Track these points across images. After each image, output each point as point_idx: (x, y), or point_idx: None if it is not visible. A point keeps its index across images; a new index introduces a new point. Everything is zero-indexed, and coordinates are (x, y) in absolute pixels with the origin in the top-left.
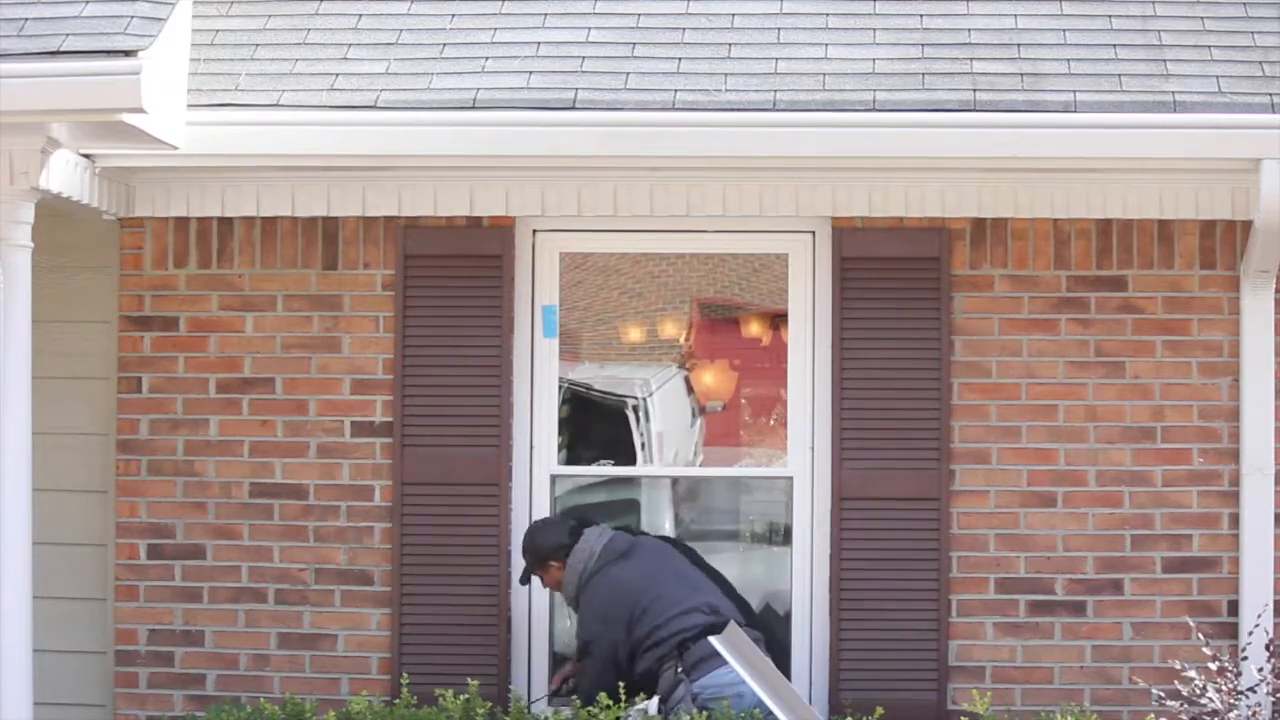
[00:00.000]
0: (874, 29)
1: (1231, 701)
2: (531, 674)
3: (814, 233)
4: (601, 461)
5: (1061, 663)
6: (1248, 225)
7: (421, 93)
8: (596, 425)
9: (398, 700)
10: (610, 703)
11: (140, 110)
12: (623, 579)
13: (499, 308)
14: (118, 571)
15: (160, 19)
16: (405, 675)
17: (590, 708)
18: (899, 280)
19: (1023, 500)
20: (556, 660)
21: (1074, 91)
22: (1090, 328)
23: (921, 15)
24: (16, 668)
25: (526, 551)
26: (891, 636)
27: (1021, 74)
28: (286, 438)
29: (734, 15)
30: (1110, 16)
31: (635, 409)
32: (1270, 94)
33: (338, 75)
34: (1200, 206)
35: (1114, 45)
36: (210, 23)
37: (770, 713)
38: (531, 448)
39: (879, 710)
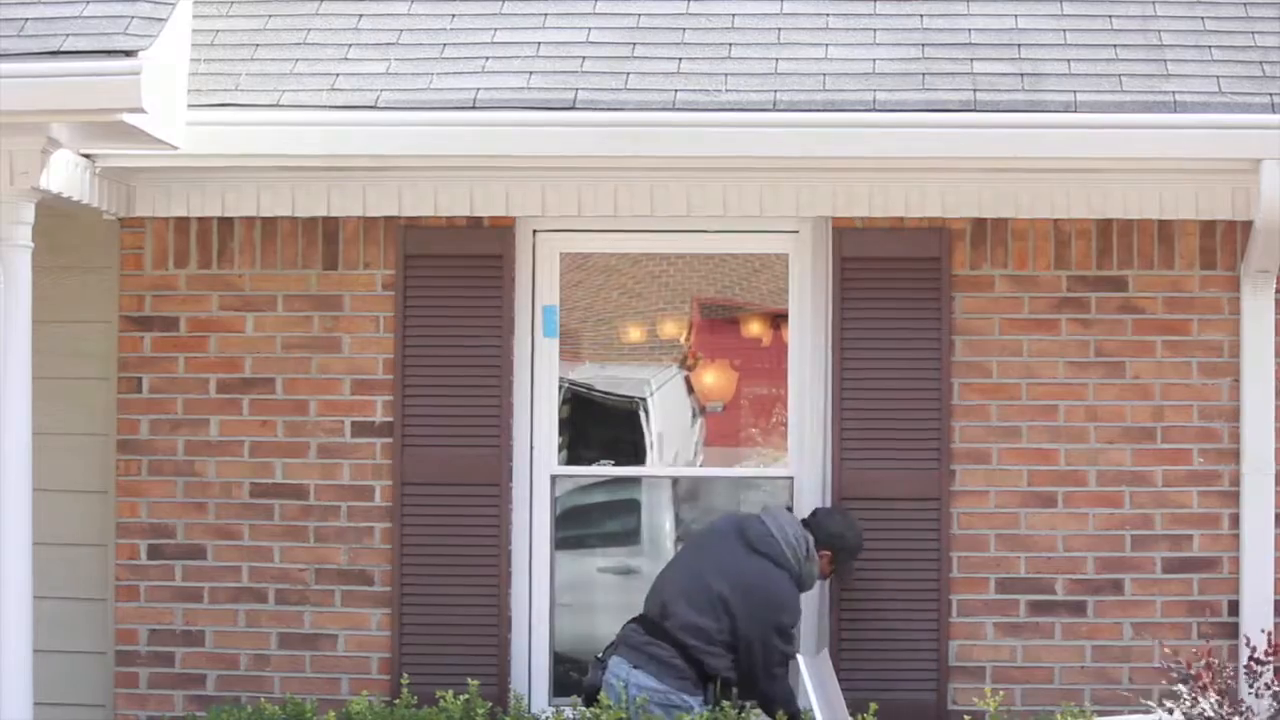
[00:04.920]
0: (874, 29)
1: (1230, 703)
2: (532, 674)
3: (814, 233)
4: (602, 462)
5: (1062, 663)
6: (1248, 225)
7: (422, 93)
8: (597, 425)
9: (398, 700)
10: (610, 702)
11: (140, 110)
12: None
13: (499, 308)
14: (118, 572)
15: (160, 19)
16: (405, 675)
17: (594, 708)
18: (899, 280)
19: (1023, 500)
20: (557, 660)
21: (1074, 91)
22: (1090, 328)
23: (921, 15)
24: (17, 667)
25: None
26: (892, 636)
27: (1022, 74)
28: (287, 438)
29: (734, 15)
30: (1110, 16)
31: (636, 409)
32: (1270, 94)
33: (338, 75)
34: (1200, 207)
35: (1114, 45)
36: (210, 23)
37: None
38: (532, 448)
39: (873, 706)
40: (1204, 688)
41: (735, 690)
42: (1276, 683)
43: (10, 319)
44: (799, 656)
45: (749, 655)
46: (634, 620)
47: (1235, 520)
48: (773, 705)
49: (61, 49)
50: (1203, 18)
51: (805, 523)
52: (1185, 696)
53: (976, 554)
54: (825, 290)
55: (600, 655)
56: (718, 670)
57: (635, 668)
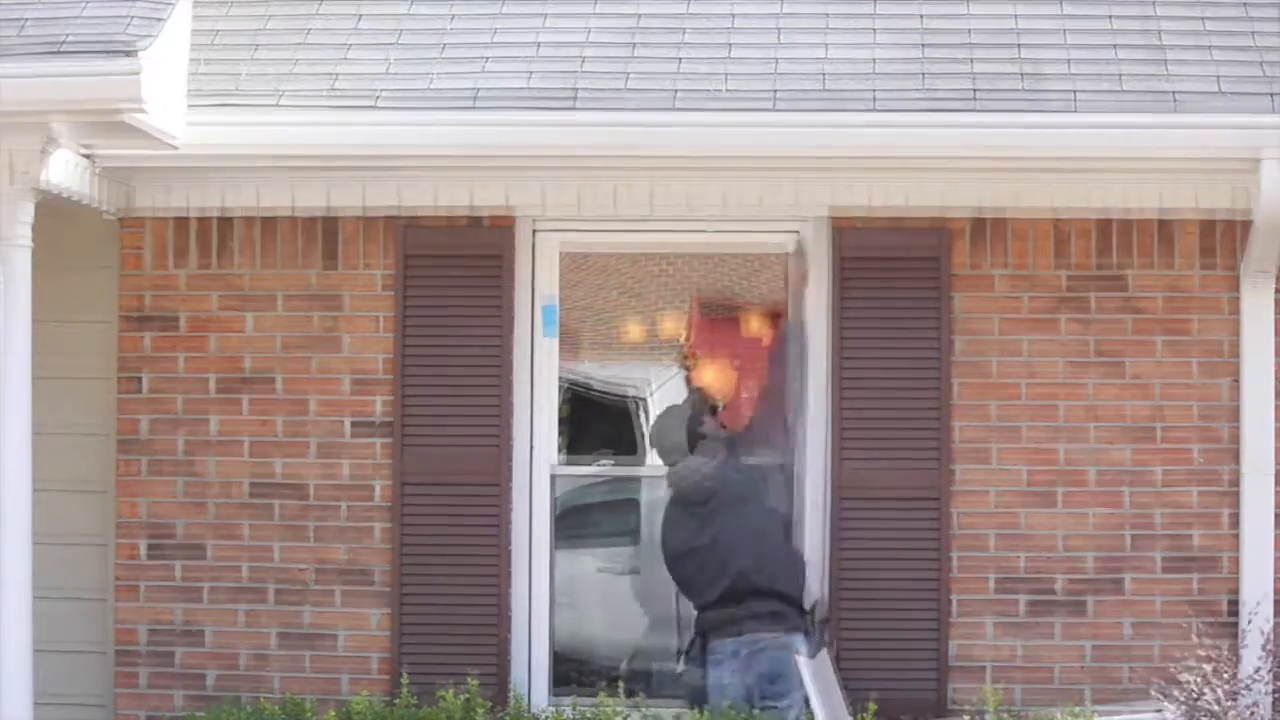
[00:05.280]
0: (874, 28)
1: (1230, 699)
2: (531, 672)
3: (813, 230)
4: (601, 460)
5: (1062, 661)
6: (1247, 223)
7: (422, 91)
8: (597, 423)
9: (398, 698)
10: (609, 699)
11: (140, 109)
12: None
13: (499, 306)
14: (118, 570)
15: (160, 18)
16: (405, 673)
17: (595, 704)
18: (899, 278)
19: (1023, 498)
20: (556, 658)
21: (1074, 90)
22: (1090, 326)
23: (921, 14)
24: (17, 666)
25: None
26: (892, 634)
27: (1021, 72)
28: (287, 436)
29: (734, 14)
30: (1110, 15)
31: (636, 407)
32: (1270, 92)
33: (338, 74)
34: (1200, 204)
35: (1114, 44)
36: (211, 22)
37: None
38: (532, 446)
39: (873, 705)
40: (1211, 684)
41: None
42: (1275, 681)
43: (10, 318)
44: (798, 657)
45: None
46: (703, 611)
47: (1235, 518)
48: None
49: (62, 48)
50: (1202, 16)
51: (668, 434)
52: (1193, 687)
53: (976, 552)
54: (825, 288)
55: (688, 653)
56: (801, 589)
57: (740, 636)
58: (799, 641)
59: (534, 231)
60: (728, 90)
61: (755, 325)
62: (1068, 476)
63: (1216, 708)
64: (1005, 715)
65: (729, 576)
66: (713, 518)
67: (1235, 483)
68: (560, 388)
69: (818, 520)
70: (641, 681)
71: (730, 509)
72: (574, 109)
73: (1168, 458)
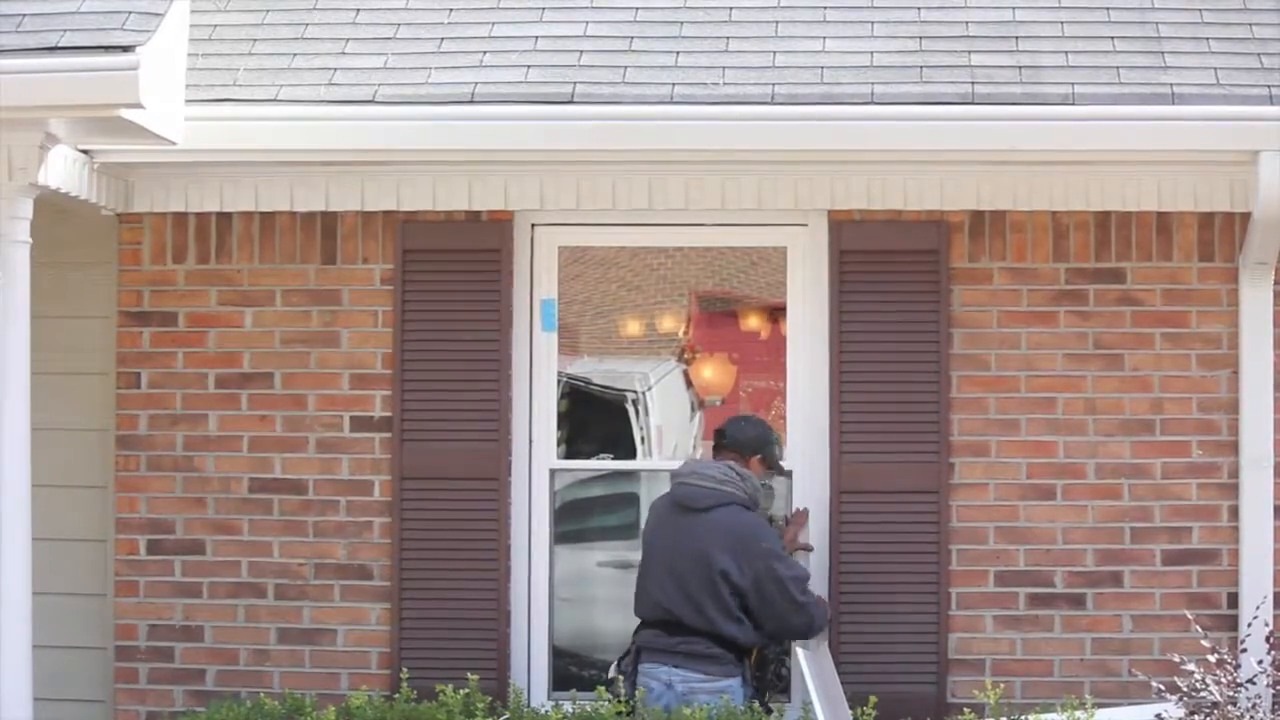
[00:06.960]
0: (872, 22)
1: (1231, 694)
2: (531, 668)
3: (812, 226)
4: (600, 455)
5: (1061, 655)
6: (1246, 217)
7: (420, 87)
8: (595, 419)
9: (397, 695)
10: (609, 696)
11: (138, 105)
12: None
13: (498, 302)
14: (117, 567)
15: (158, 14)
16: (405, 670)
17: (595, 702)
18: (898, 273)
19: (1022, 493)
20: (556, 654)
21: (1072, 84)
22: (1089, 320)
23: (919, 8)
24: (16, 663)
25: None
26: (891, 629)
27: (1020, 66)
28: (286, 433)
29: (732, 9)
30: (1108, 9)
31: (634, 403)
32: (1268, 86)
33: (336, 70)
34: (1199, 198)
35: (1112, 37)
36: (208, 17)
37: None
38: (530, 442)
39: (873, 699)
40: (1216, 675)
41: (770, 653)
42: (1276, 674)
43: (9, 314)
44: (797, 649)
45: (766, 600)
46: (647, 627)
47: (1234, 512)
48: (813, 628)
49: (59, 45)
50: (1200, 9)
51: (722, 445)
52: (1195, 680)
53: (976, 547)
54: (824, 283)
55: (621, 670)
56: (751, 642)
57: (675, 668)
58: (733, 686)
59: (533, 227)
60: (725, 85)
61: (754, 320)
62: (1067, 471)
63: (1219, 699)
64: (1005, 710)
65: (675, 603)
66: (690, 530)
67: (1234, 476)
68: (559, 382)
69: (820, 516)
70: None
71: (711, 533)
72: (571, 104)
73: (1167, 451)
